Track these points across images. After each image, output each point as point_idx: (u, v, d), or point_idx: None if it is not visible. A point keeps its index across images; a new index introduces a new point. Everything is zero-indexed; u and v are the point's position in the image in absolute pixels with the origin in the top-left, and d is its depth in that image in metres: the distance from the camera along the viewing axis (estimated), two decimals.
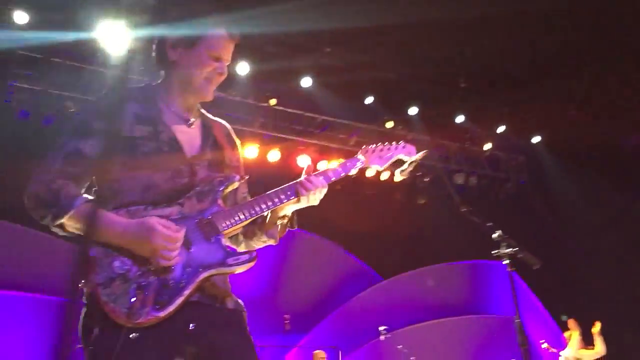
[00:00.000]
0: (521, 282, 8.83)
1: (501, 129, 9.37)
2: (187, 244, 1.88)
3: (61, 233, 1.92)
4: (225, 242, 1.96)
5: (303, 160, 8.89)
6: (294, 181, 2.17)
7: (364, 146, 2.42)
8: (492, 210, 5.61)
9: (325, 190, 2.19)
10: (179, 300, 1.82)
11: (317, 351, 7.62)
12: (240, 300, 2.07)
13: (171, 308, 1.81)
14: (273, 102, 8.67)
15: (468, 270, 9.78)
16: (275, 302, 8.18)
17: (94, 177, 1.97)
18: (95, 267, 1.80)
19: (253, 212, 2.03)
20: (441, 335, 8.78)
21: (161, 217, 1.88)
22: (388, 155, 2.36)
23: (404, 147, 2.41)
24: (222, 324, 1.95)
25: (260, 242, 2.21)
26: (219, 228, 1.95)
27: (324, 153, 9.10)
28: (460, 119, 9.11)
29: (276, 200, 2.10)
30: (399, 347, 7.14)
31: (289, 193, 2.13)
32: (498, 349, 8.55)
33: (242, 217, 2.00)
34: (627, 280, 8.54)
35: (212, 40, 2.08)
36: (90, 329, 1.81)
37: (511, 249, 3.12)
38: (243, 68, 7.86)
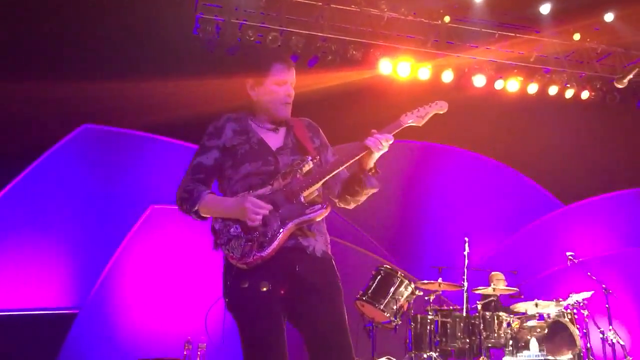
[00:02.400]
0: None
1: None
2: (277, 208, 2.57)
3: (199, 219, 2.68)
4: (306, 201, 2.61)
5: (479, 80, 8.47)
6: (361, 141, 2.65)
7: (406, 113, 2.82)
8: None
9: (391, 141, 2.62)
10: (275, 244, 2.52)
11: (494, 272, 7.44)
12: (329, 252, 2.71)
13: (270, 249, 2.51)
14: (446, 19, 8.27)
15: None
16: (453, 224, 8.14)
17: (216, 177, 2.77)
18: (219, 235, 2.60)
19: (321, 175, 2.64)
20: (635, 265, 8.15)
21: (258, 195, 2.58)
22: (424, 113, 2.79)
23: (436, 104, 2.84)
24: (312, 266, 2.60)
25: (364, 195, 2.80)
26: (297, 191, 2.61)
27: (501, 70, 8.57)
28: None
29: (345, 160, 2.66)
30: (588, 274, 6.76)
31: (355, 152, 2.65)
32: None
33: (312, 180, 2.63)
34: None
35: (275, 74, 2.75)
36: (225, 275, 2.61)
37: None
38: None
